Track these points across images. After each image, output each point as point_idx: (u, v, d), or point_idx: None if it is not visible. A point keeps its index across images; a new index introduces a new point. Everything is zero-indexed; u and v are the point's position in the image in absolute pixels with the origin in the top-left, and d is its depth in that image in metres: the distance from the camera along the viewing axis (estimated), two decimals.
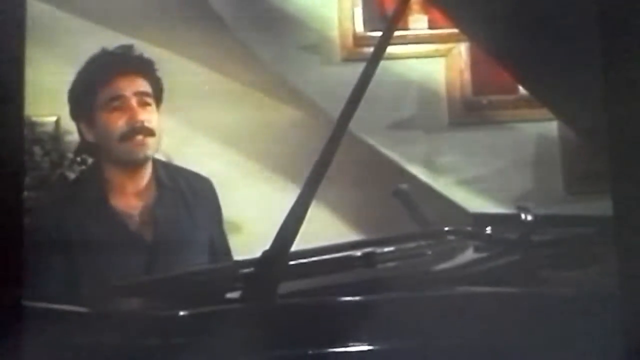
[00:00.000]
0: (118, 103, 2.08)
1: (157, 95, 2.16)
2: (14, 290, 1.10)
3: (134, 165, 2.12)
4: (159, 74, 2.18)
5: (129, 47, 2.18)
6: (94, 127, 2.12)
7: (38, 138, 3.17)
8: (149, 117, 2.10)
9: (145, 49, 3.19)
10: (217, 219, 2.26)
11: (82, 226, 2.04)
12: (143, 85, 2.13)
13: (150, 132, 2.09)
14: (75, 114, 2.17)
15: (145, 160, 2.12)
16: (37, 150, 3.16)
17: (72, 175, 3.14)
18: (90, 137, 2.14)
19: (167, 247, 2.08)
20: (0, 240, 1.08)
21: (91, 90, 2.11)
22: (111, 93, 2.09)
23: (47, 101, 2.95)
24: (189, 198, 2.18)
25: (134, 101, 2.09)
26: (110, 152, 2.11)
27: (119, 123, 2.08)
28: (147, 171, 2.14)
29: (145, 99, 2.12)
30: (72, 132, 3.25)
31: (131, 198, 2.13)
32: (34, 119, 3.10)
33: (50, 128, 3.26)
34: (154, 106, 2.14)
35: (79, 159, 3.17)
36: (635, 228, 1.08)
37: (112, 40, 3.31)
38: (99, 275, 1.91)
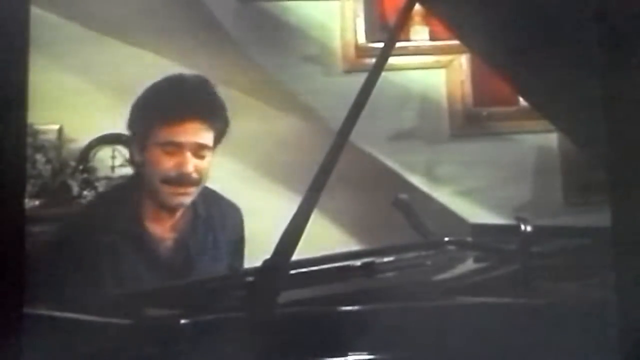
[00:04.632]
0: (173, 148, 2.01)
1: (217, 140, 2.09)
2: (15, 297, 1.10)
3: (166, 207, 2.07)
4: (228, 116, 2.10)
5: (205, 87, 2.08)
6: (143, 153, 2.06)
7: (40, 146, 3.18)
8: (200, 167, 2.04)
9: (147, 57, 3.26)
10: (240, 249, 2.24)
11: (113, 241, 2.00)
12: (204, 137, 2.04)
13: (195, 182, 2.04)
14: (131, 131, 2.10)
15: (179, 207, 2.07)
16: (39, 157, 3.17)
17: (74, 184, 3.16)
18: (137, 158, 2.09)
19: (194, 275, 2.05)
20: (2, 248, 1.08)
21: (153, 122, 2.03)
22: (170, 137, 2.01)
23: (50, 109, 2.96)
24: (217, 227, 2.15)
25: (189, 151, 2.02)
26: (148, 185, 2.06)
27: (167, 166, 2.01)
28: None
29: (201, 152, 2.04)
30: (74, 140, 3.28)
31: (166, 224, 2.09)
32: (37, 126, 3.11)
33: (52, 136, 3.27)
34: (209, 157, 2.07)
35: (81, 167, 3.20)
36: (633, 239, 1.08)
37: (116, 49, 3.35)
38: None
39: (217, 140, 2.09)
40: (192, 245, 2.10)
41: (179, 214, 2.10)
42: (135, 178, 2.18)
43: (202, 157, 2.05)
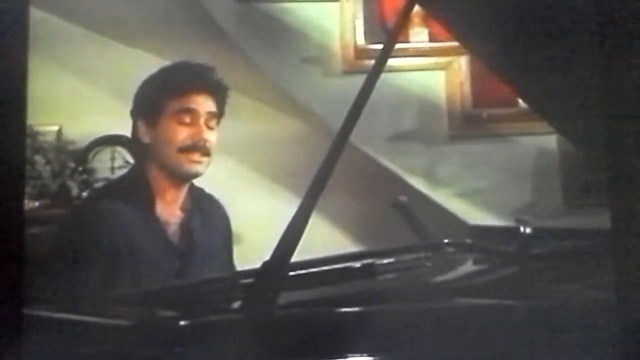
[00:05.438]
0: (188, 117, 2.14)
1: (219, 119, 2.22)
2: (15, 298, 1.10)
3: (181, 178, 2.16)
4: (227, 100, 2.23)
5: (211, 69, 2.21)
6: (154, 130, 2.15)
7: (40, 147, 3.18)
8: (210, 139, 2.15)
9: (147, 59, 3.26)
10: (228, 245, 2.30)
11: (127, 230, 2.06)
12: (213, 108, 2.18)
13: (207, 152, 2.14)
14: (138, 113, 2.19)
15: (194, 177, 2.18)
16: (38, 159, 3.17)
17: (73, 185, 3.16)
18: (146, 139, 2.16)
19: (198, 259, 2.12)
20: (2, 248, 1.09)
21: (165, 95, 2.14)
22: (185, 105, 2.14)
23: (49, 110, 2.96)
24: (212, 217, 2.24)
25: (202, 119, 2.15)
26: (163, 159, 2.15)
27: (183, 135, 2.13)
28: (187, 185, 2.20)
29: (211, 121, 2.17)
30: (74, 141, 3.28)
31: (170, 206, 2.17)
32: (36, 128, 3.12)
33: (51, 137, 3.27)
34: (215, 131, 2.19)
35: (80, 168, 3.20)
36: (633, 241, 1.08)
37: (115, 50, 3.35)
38: (131, 281, 1.97)
39: (219, 120, 2.21)
40: (194, 227, 2.16)
41: (182, 194, 2.18)
42: (137, 167, 2.24)
43: (211, 129, 2.17)
